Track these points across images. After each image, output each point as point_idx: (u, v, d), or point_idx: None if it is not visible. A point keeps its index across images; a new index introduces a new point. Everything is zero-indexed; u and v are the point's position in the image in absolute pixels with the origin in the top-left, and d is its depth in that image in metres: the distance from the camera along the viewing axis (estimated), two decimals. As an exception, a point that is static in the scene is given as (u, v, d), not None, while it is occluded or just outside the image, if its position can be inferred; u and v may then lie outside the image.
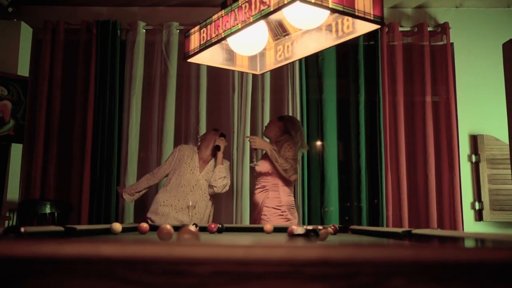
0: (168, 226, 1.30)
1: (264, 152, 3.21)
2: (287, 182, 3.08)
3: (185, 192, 3.15)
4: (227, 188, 3.24)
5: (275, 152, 3.00)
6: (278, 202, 3.02)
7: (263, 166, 3.08)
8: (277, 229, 2.25)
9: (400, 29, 4.14)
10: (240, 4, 1.97)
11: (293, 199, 3.15)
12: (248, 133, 3.99)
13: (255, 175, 3.21)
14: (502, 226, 3.95)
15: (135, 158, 4.02)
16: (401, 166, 3.94)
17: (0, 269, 0.59)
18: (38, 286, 0.59)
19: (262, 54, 2.59)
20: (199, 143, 3.39)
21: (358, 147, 3.99)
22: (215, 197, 3.33)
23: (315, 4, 1.73)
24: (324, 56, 4.07)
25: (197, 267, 0.58)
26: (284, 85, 4.09)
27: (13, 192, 3.95)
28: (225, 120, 4.08)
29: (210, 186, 3.19)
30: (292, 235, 1.19)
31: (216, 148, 3.24)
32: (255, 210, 3.13)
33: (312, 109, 4.08)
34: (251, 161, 3.30)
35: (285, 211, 3.02)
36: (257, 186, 3.14)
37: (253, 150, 3.22)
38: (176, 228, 1.34)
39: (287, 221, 2.98)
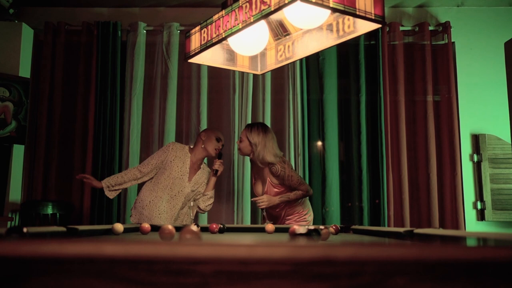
0: (170, 227, 1.30)
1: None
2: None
3: (170, 195, 3.03)
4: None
5: (284, 197, 2.94)
6: (301, 209, 3.03)
7: (272, 194, 2.98)
8: (279, 229, 2.25)
9: (401, 28, 4.14)
10: (240, 4, 1.97)
11: (309, 201, 3.17)
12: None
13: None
14: (504, 225, 3.94)
15: (136, 159, 4.02)
16: (402, 166, 3.94)
17: (3, 269, 0.59)
18: (40, 285, 0.60)
19: (263, 54, 2.59)
20: (196, 143, 3.19)
21: (359, 147, 3.98)
22: (216, 197, 3.31)
23: (315, 3, 1.73)
24: (325, 56, 4.06)
25: (199, 266, 0.58)
26: (285, 85, 4.09)
27: (15, 193, 3.96)
28: (226, 120, 4.08)
29: (197, 207, 3.13)
30: (294, 235, 1.19)
31: (215, 173, 3.08)
32: (272, 216, 3.08)
33: (313, 109, 4.08)
34: (263, 220, 3.10)
35: (306, 214, 3.04)
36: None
37: (263, 210, 3.04)
38: (178, 228, 1.34)
39: (307, 223, 3.00)
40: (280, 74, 4.08)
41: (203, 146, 3.08)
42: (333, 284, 0.58)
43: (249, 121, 4.00)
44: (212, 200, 3.15)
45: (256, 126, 3.00)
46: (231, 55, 2.53)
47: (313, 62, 4.11)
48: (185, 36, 2.38)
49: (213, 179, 3.10)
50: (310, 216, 3.07)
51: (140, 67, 4.12)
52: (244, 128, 3.06)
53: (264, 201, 2.92)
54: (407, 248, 0.60)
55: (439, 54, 4.12)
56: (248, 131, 2.97)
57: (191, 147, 3.17)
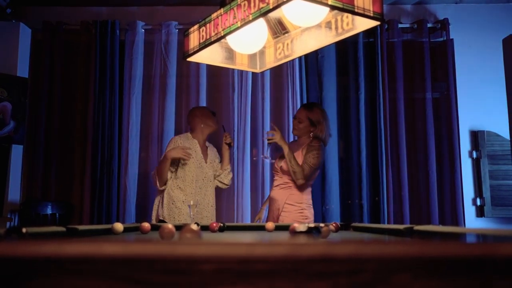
0: (170, 226, 1.30)
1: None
2: (308, 181, 3.04)
3: (198, 187, 3.08)
4: None
5: (291, 154, 2.94)
6: (300, 200, 2.99)
7: (284, 167, 2.99)
8: (279, 227, 2.25)
9: (400, 25, 4.14)
10: (239, 2, 1.96)
11: (311, 198, 3.11)
12: (248, 131, 3.99)
13: (274, 172, 3.15)
14: (503, 221, 3.95)
15: (135, 158, 4.02)
16: (402, 163, 3.94)
17: (2, 269, 0.59)
18: (40, 285, 0.59)
19: (262, 52, 2.58)
20: (193, 126, 3.21)
21: (359, 145, 3.98)
22: (216, 196, 3.31)
23: (314, 1, 1.73)
24: (323, 54, 4.06)
25: (199, 265, 0.58)
26: (284, 83, 4.08)
27: (14, 193, 3.95)
28: (225, 119, 4.07)
29: (220, 182, 3.25)
30: (294, 233, 1.19)
31: (229, 145, 3.22)
32: (273, 206, 3.06)
33: (312, 107, 4.07)
34: (263, 154, 3.19)
35: (305, 209, 2.99)
36: (277, 183, 3.07)
37: (269, 144, 3.05)
38: (178, 228, 1.34)
39: (305, 219, 2.96)
40: (279, 72, 4.08)
41: (202, 125, 3.17)
42: (333, 282, 0.58)
43: (249, 120, 4.01)
44: (231, 174, 3.32)
45: (315, 104, 3.21)
46: (230, 54, 2.52)
47: (312, 60, 4.11)
48: (184, 34, 2.38)
49: (228, 153, 3.24)
50: (309, 213, 3.02)
51: (138, 66, 4.11)
52: (300, 108, 3.17)
53: (277, 136, 2.97)
54: (407, 245, 0.60)
55: (438, 51, 4.12)
56: (312, 116, 3.04)
57: (190, 133, 3.23)
